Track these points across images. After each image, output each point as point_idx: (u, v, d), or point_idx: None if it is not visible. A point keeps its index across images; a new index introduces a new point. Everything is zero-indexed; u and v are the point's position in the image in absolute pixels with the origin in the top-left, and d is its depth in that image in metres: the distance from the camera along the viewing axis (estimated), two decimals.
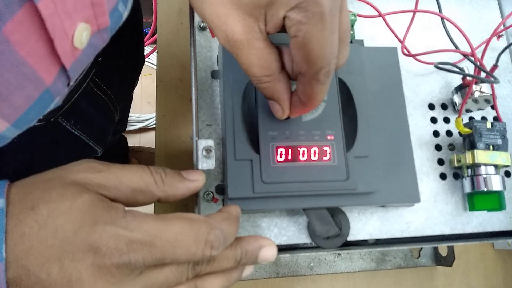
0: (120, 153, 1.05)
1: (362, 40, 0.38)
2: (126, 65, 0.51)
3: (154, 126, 1.41)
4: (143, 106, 1.28)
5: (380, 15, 0.39)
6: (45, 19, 0.20)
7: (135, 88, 0.66)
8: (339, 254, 0.52)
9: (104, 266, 0.21)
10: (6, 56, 0.20)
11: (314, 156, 0.33)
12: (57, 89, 0.25)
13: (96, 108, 0.44)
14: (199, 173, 0.28)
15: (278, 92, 0.28)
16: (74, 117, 0.40)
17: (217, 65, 0.39)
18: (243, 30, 0.25)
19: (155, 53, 1.19)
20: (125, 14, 0.29)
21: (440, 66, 0.37)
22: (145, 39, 0.79)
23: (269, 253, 0.27)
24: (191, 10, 0.35)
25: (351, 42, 0.37)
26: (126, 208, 0.23)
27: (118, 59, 0.47)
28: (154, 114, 1.33)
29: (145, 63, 1.25)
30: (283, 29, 0.25)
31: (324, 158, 0.33)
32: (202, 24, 0.40)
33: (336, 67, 0.27)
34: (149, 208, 0.33)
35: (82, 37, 0.23)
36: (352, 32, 0.41)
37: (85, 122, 0.42)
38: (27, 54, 0.21)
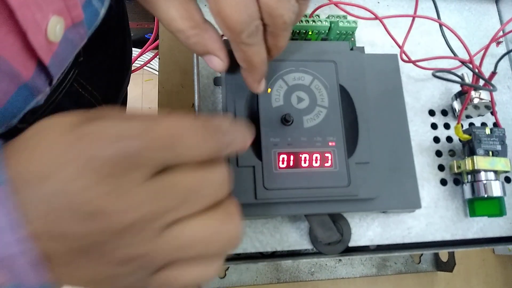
0: None
1: (363, 47, 0.38)
2: (112, 68, 0.51)
3: None
4: (144, 112, 1.29)
5: (377, 18, 0.40)
6: (15, 10, 0.20)
7: (136, 94, 0.66)
8: (340, 260, 0.52)
9: (96, 160, 0.18)
10: None
11: (316, 162, 0.33)
12: (37, 86, 0.25)
13: (82, 109, 0.44)
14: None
15: (210, 43, 0.27)
16: None
17: (219, 72, 0.39)
18: None
19: (156, 59, 1.20)
20: (102, 11, 0.29)
21: (437, 74, 0.38)
22: (146, 44, 0.80)
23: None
24: None
25: (351, 49, 0.37)
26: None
27: (103, 60, 0.47)
28: None
29: (147, 68, 1.26)
30: None
31: (326, 164, 0.33)
32: None
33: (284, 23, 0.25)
34: None
35: (56, 30, 0.23)
36: (353, 40, 0.41)
37: None
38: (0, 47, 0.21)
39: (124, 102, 0.76)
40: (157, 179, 0.19)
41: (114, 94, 0.54)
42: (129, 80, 0.59)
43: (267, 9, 0.25)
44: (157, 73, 1.28)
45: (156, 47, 0.67)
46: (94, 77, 0.44)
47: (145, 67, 1.22)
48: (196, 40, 0.27)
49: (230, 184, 0.22)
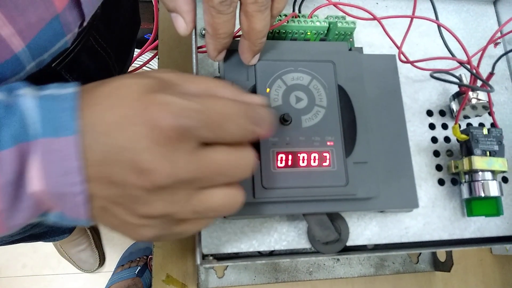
0: None
1: (361, 48, 0.39)
2: (124, 24, 0.52)
3: None
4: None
5: (375, 19, 0.40)
6: None
7: None
8: (338, 260, 0.52)
9: (159, 128, 0.22)
10: None
11: (314, 162, 0.33)
12: (68, 22, 0.27)
13: (96, 65, 0.45)
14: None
15: (181, 2, 0.28)
16: (76, 71, 0.41)
17: (218, 72, 0.39)
18: None
19: (155, 59, 1.19)
20: None
21: (435, 75, 0.38)
22: (146, 45, 0.80)
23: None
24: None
25: (350, 49, 0.38)
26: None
27: (117, 17, 0.49)
28: None
29: (146, 68, 1.26)
30: None
31: (324, 164, 0.33)
32: (203, 31, 0.40)
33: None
34: None
35: None
36: (351, 40, 0.42)
37: (87, 78, 0.43)
38: None
39: None
40: (201, 152, 0.23)
41: (126, 51, 0.55)
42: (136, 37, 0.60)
43: None
44: None
45: (155, 48, 0.67)
46: (107, 33, 0.46)
47: (144, 67, 1.22)
48: None
49: (252, 170, 0.26)
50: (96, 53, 0.44)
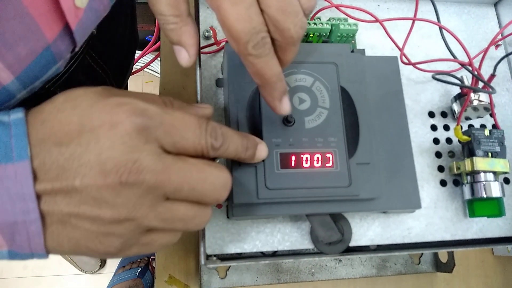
0: None
1: (364, 50, 0.39)
2: (122, 42, 0.52)
3: None
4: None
5: (377, 21, 0.40)
6: None
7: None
8: (340, 261, 0.52)
9: (121, 124, 0.22)
10: (11, 2, 0.21)
11: (317, 162, 0.33)
12: (59, 51, 0.26)
13: (93, 83, 0.44)
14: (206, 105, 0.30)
15: (185, 36, 0.28)
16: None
17: (222, 73, 0.39)
18: None
19: (157, 61, 1.20)
20: None
21: (437, 77, 0.38)
22: (147, 46, 0.80)
23: (263, 149, 0.30)
24: (197, 18, 0.36)
25: (352, 51, 0.38)
26: None
27: (114, 35, 0.48)
28: None
29: (147, 70, 1.26)
30: None
31: (327, 165, 0.34)
32: (207, 33, 0.40)
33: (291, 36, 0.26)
34: None
35: None
36: (353, 42, 0.42)
37: None
38: (30, 4, 0.22)
39: None
40: (167, 157, 0.23)
41: (124, 69, 0.55)
42: (135, 53, 0.60)
43: (273, 22, 0.25)
44: (157, 74, 1.28)
45: (157, 49, 0.67)
46: (104, 51, 0.45)
47: (145, 69, 1.23)
48: (174, 28, 0.27)
49: (227, 191, 0.26)
50: (93, 71, 0.43)
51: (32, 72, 0.25)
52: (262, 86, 0.29)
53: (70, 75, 0.38)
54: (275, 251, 0.38)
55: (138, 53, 0.87)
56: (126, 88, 0.73)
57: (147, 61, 0.85)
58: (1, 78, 0.24)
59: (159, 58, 0.54)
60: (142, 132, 0.22)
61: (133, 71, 0.67)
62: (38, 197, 0.21)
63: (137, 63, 0.96)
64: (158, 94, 0.53)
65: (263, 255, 0.39)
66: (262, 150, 0.30)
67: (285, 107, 0.30)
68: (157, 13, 0.27)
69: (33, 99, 0.32)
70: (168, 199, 0.24)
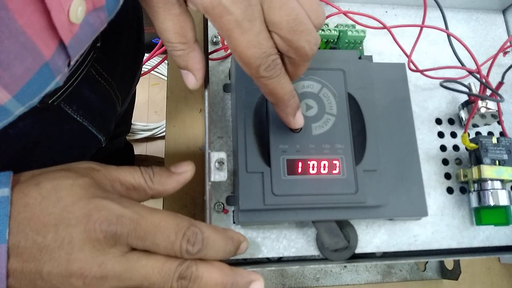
0: (126, 161, 1.05)
1: (371, 56, 0.39)
2: (127, 53, 0.52)
3: (161, 135, 1.40)
4: (150, 115, 1.30)
5: (385, 27, 0.40)
6: None
7: (142, 98, 0.67)
8: (345, 266, 0.52)
9: (93, 231, 0.23)
10: (5, 23, 0.21)
11: (324, 169, 0.33)
12: (57, 66, 0.26)
13: (97, 95, 0.44)
14: (187, 164, 0.30)
15: (192, 61, 0.29)
16: (76, 102, 0.40)
17: (229, 79, 0.40)
18: None
19: (164, 64, 1.20)
20: None
21: (445, 84, 0.38)
22: (154, 49, 0.81)
23: (259, 283, 0.28)
24: (205, 24, 0.36)
25: (359, 58, 0.38)
26: None
27: (119, 47, 0.48)
28: (161, 123, 1.33)
29: (154, 73, 1.27)
30: None
31: (334, 172, 0.34)
32: (215, 38, 0.41)
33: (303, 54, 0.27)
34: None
35: (77, 12, 0.24)
36: (361, 48, 0.42)
37: (87, 109, 0.43)
38: (25, 23, 0.22)
39: (131, 106, 0.76)
40: (131, 257, 0.24)
41: (129, 81, 0.55)
42: (141, 69, 0.60)
43: (287, 42, 0.26)
44: (163, 77, 1.28)
45: (163, 52, 0.67)
46: (110, 64, 0.45)
47: (152, 72, 1.23)
48: (181, 54, 0.28)
49: None
50: (97, 83, 0.43)
51: (30, 89, 0.25)
52: (275, 104, 0.30)
53: (73, 89, 0.38)
54: (281, 257, 0.38)
55: (145, 55, 0.87)
56: (133, 95, 0.73)
57: (154, 64, 0.86)
58: None
59: (166, 61, 0.54)
60: (112, 238, 0.24)
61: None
62: (8, 275, 0.23)
63: (144, 66, 0.97)
64: (165, 97, 0.53)
65: (268, 261, 0.39)
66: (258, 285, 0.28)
67: (299, 121, 0.31)
68: (165, 41, 0.28)
69: (36, 114, 0.32)
70: None
